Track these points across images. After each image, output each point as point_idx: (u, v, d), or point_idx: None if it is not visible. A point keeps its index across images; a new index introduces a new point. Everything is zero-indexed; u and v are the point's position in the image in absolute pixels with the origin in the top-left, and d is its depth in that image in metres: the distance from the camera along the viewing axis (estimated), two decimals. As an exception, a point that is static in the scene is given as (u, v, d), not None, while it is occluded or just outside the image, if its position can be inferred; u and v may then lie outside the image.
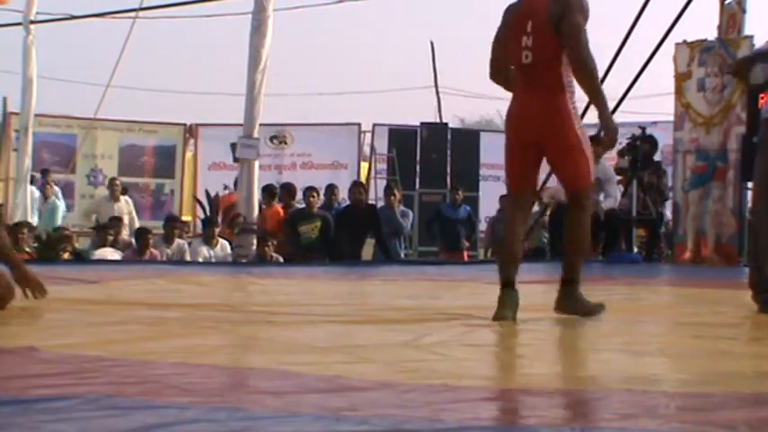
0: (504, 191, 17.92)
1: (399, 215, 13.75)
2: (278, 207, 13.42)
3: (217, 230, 12.76)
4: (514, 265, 5.51)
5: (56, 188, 16.86)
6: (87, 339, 4.44)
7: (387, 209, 13.69)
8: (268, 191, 13.29)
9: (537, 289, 8.12)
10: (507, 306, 5.29)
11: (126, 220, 14.58)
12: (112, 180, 15.97)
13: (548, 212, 13.31)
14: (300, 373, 3.61)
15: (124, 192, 15.68)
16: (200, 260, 11.91)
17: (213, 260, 12.07)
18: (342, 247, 12.23)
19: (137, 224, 14.71)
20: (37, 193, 16.64)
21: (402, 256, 13.55)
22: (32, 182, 16.51)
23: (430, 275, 9.14)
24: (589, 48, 5.40)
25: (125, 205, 15.08)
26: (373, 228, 12.63)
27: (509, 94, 5.69)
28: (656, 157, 12.43)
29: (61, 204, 16.80)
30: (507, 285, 5.39)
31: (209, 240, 12.44)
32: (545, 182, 15.29)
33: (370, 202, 15.12)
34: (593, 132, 13.56)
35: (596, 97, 5.47)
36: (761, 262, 6.12)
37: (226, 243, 12.61)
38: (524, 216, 5.74)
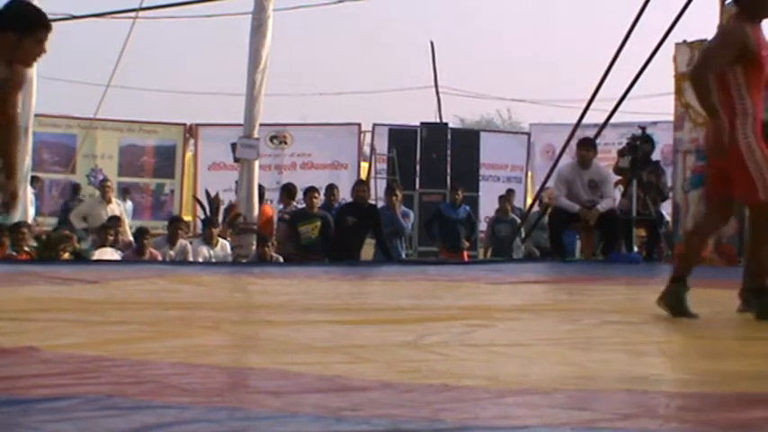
0: (502, 191, 17.95)
1: (400, 215, 13.73)
2: (267, 206, 13.41)
3: (216, 231, 12.76)
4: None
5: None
6: (87, 339, 4.44)
7: (388, 209, 13.67)
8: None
9: (537, 289, 8.14)
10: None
11: None
12: (104, 182, 15.92)
13: (548, 213, 13.32)
14: (300, 373, 3.62)
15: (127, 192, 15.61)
16: (201, 260, 11.90)
17: (213, 260, 12.07)
18: (343, 245, 12.21)
19: (127, 227, 14.64)
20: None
21: (403, 256, 13.54)
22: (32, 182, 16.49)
23: (430, 275, 9.13)
24: (702, 73, 5.62)
25: (116, 207, 15.03)
26: (374, 227, 12.61)
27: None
28: (654, 157, 12.44)
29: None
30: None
31: (209, 240, 12.43)
32: (544, 183, 15.35)
33: (371, 202, 15.11)
34: (590, 133, 13.55)
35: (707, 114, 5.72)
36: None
37: (226, 243, 12.60)
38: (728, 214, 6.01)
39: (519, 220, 15.76)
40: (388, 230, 12.96)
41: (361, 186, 13.13)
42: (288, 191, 13.88)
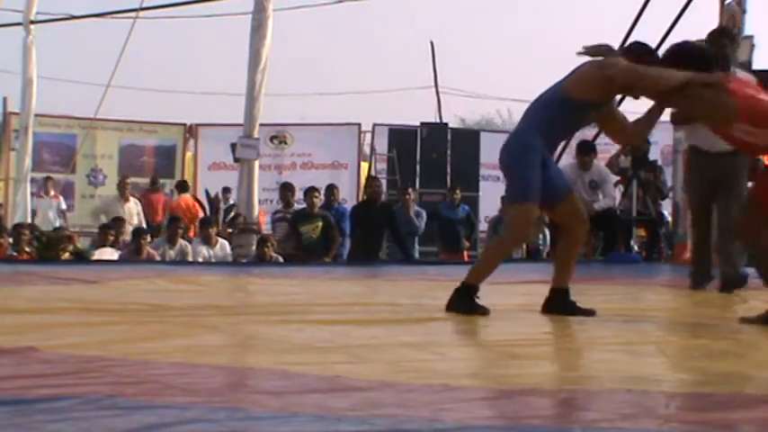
0: (503, 191, 17.96)
1: (414, 215, 13.67)
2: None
3: (214, 231, 12.76)
4: None
5: None
6: (87, 339, 4.44)
7: (402, 209, 13.57)
8: None
9: (536, 289, 8.13)
10: None
11: (135, 220, 14.61)
12: (123, 180, 15.92)
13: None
14: (300, 373, 3.61)
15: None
16: (200, 260, 11.90)
17: (213, 260, 12.06)
18: (363, 244, 12.14)
19: (144, 225, 14.67)
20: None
21: (416, 255, 13.46)
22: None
23: (430, 275, 9.13)
24: None
25: (134, 206, 15.07)
26: (389, 226, 12.48)
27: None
28: (654, 157, 12.48)
29: None
30: None
31: (208, 240, 12.44)
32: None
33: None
34: (590, 133, 13.54)
35: None
36: None
37: (226, 243, 12.60)
38: None
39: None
40: (403, 231, 12.83)
41: (375, 182, 13.06)
42: (287, 190, 13.87)
